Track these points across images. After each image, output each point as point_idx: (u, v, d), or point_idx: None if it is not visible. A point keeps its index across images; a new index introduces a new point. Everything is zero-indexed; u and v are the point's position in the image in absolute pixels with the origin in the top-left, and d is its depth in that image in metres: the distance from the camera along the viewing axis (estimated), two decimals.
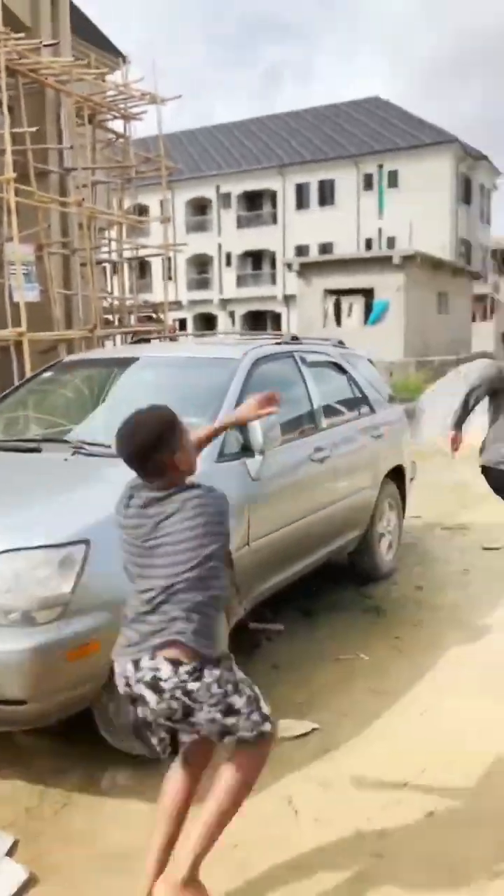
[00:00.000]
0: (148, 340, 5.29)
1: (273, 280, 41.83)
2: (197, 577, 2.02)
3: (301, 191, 40.28)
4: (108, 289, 17.08)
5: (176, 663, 2.00)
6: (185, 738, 2.21)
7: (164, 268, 19.35)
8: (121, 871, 2.40)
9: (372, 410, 5.23)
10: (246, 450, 3.61)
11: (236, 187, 41.81)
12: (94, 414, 4.09)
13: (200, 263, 43.86)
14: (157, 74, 14.32)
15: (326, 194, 39.60)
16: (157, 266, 37.97)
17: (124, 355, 4.52)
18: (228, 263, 42.73)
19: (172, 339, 9.66)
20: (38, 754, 3.03)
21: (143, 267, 30.31)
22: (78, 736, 3.04)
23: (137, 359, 4.34)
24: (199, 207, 43.58)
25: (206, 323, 43.17)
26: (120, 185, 15.81)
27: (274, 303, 41.56)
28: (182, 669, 2.00)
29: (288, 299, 39.12)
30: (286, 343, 4.59)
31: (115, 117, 14.95)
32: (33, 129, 10.82)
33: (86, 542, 2.67)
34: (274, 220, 41.46)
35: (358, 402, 5.13)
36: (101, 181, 14.85)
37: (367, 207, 38.36)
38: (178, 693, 2.00)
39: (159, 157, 16.31)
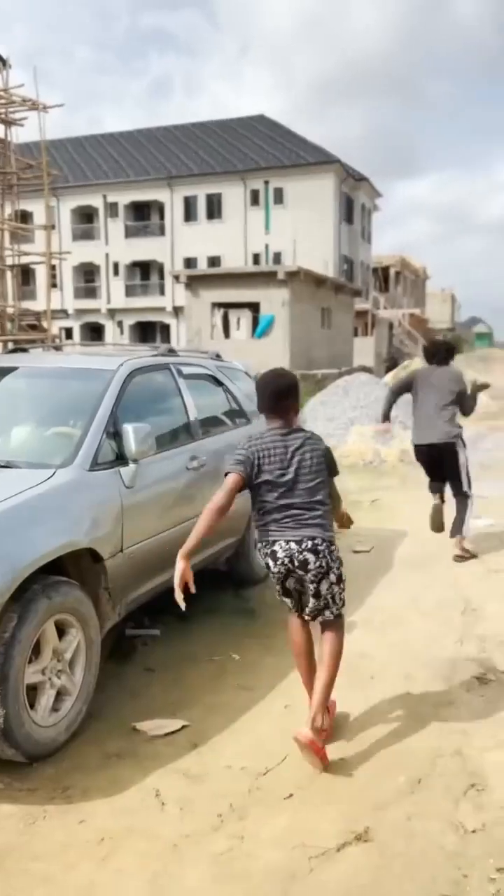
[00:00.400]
0: (26, 350, 5.28)
1: (162, 291, 41.86)
2: (323, 483, 3.14)
3: (189, 203, 40.59)
4: None
5: (321, 538, 3.07)
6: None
7: (49, 276, 19.02)
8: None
9: (248, 421, 5.44)
10: (120, 458, 3.72)
11: (124, 197, 41.61)
12: None
13: (87, 272, 43.29)
14: (38, 81, 14.07)
15: (214, 208, 40.10)
16: (41, 274, 37.20)
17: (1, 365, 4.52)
18: (116, 273, 42.40)
19: (57, 348, 9.58)
20: None
21: (26, 274, 29.62)
22: None
23: (13, 369, 4.36)
24: (86, 216, 43.05)
25: (94, 333, 42.62)
26: (1, 190, 15.51)
27: (163, 314, 41.58)
28: (325, 541, 3.08)
29: (177, 311, 39.28)
30: (162, 355, 4.73)
31: None
32: None
33: None
34: (162, 231, 41.53)
35: (234, 413, 5.33)
36: None
37: (254, 222, 39.13)
38: (326, 553, 3.08)
39: (42, 163, 16.14)
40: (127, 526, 3.64)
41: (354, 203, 41.17)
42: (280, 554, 3.07)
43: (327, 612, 3.18)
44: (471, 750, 3.16)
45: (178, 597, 3.03)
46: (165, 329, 41.79)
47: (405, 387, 6.40)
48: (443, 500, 6.27)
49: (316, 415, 13.26)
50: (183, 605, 3.05)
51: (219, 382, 5.30)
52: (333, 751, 3.15)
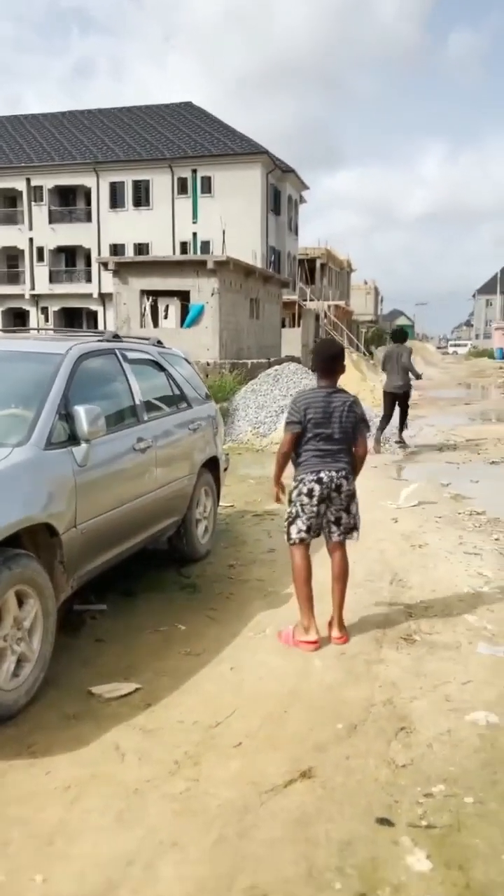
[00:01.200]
0: None
1: (88, 277, 41.31)
2: (352, 434, 4.14)
3: (115, 190, 40.14)
4: None
5: (347, 470, 4.14)
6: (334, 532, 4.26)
7: None
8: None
9: (189, 406, 5.67)
10: (73, 439, 3.89)
11: (48, 181, 40.79)
12: None
13: (10, 257, 42.29)
14: None
15: (142, 195, 39.80)
16: None
17: None
18: (41, 258, 41.57)
19: None
20: None
21: None
22: None
23: None
24: (9, 199, 42.01)
25: (17, 319, 41.71)
26: None
27: (90, 300, 41.05)
28: (351, 474, 4.17)
29: (104, 297, 38.86)
30: (108, 340, 4.90)
31: None
32: None
33: None
34: (88, 217, 40.93)
35: (176, 397, 5.55)
36: None
37: (181, 211, 39.05)
38: (352, 481, 4.17)
39: None
40: (80, 502, 3.83)
41: (281, 194, 41.58)
42: (325, 479, 4.06)
43: (354, 534, 4.24)
44: (400, 699, 3.50)
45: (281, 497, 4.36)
46: (92, 316, 41.30)
47: (389, 356, 11.36)
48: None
49: (247, 403, 13.54)
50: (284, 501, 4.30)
51: (161, 368, 5.51)
52: (277, 704, 3.44)
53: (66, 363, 4.16)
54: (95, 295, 40.48)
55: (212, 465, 5.95)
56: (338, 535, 4.21)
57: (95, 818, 2.63)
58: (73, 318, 41.65)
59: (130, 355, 4.99)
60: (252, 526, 6.93)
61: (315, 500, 4.09)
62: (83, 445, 3.89)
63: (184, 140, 40.07)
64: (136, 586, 5.11)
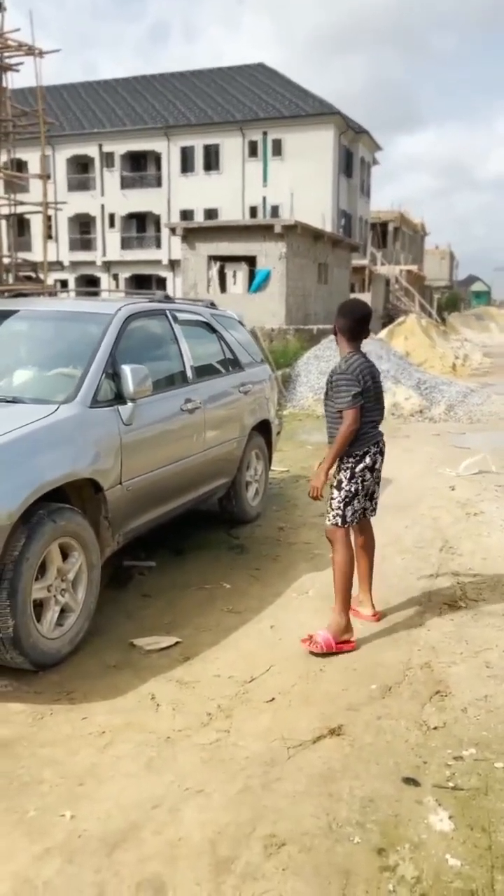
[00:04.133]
0: (25, 295, 5.45)
1: (158, 243, 41.47)
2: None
3: (186, 154, 39.97)
4: None
5: None
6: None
7: (46, 226, 18.94)
8: (3, 757, 2.75)
9: (241, 368, 5.66)
10: (119, 398, 3.94)
11: (120, 147, 40.92)
12: None
13: (83, 224, 42.79)
14: (34, 25, 13.84)
15: (212, 159, 39.51)
16: (36, 224, 36.78)
17: (1, 308, 4.70)
18: (112, 225, 41.92)
19: (52, 294, 9.69)
20: None
21: (21, 225, 29.33)
22: None
23: (14, 312, 4.55)
24: (82, 165, 42.38)
25: (90, 285, 42.32)
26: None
27: (159, 267, 41.27)
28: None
29: (174, 264, 38.98)
30: (159, 301, 4.93)
31: None
32: None
33: None
34: (158, 182, 40.96)
35: (228, 360, 5.54)
36: None
37: (251, 175, 38.62)
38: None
39: (36, 110, 15.97)
40: (125, 460, 3.89)
41: (354, 156, 40.61)
42: (384, 448, 3.89)
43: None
44: (438, 664, 3.47)
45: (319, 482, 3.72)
46: (161, 282, 41.54)
47: None
48: None
49: (309, 369, 13.43)
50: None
51: (213, 329, 5.50)
52: (313, 663, 3.46)
53: (114, 323, 4.20)
54: (165, 261, 40.65)
55: (263, 429, 5.95)
56: (372, 510, 3.97)
57: (126, 763, 2.71)
58: (143, 285, 41.98)
59: (181, 316, 5.00)
60: (304, 491, 6.89)
61: (375, 474, 3.84)
62: (129, 404, 3.94)
63: (255, 102, 39.46)
64: (185, 545, 5.19)
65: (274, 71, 42.21)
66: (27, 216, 18.07)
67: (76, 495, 3.67)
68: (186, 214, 38.76)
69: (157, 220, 41.09)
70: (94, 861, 2.23)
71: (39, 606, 3.33)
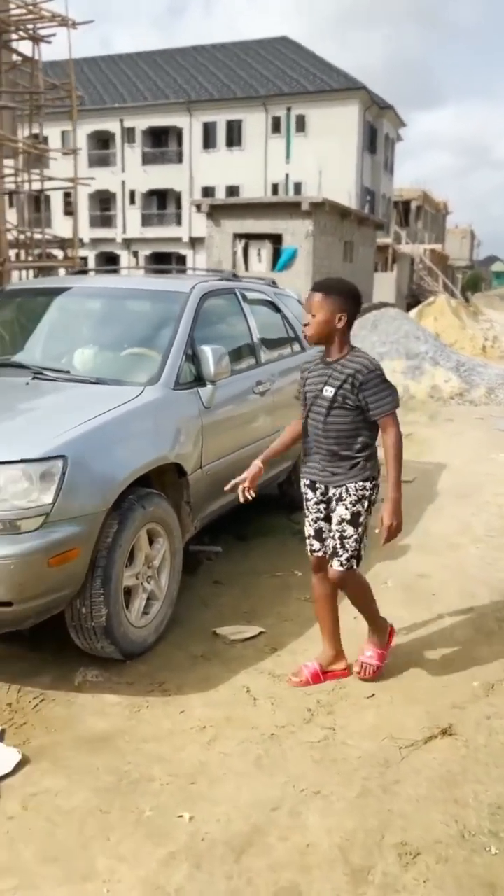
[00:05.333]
0: (86, 272, 5.31)
1: (179, 221, 41.10)
2: None
3: (208, 130, 39.46)
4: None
5: None
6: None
7: (71, 202, 18.74)
8: (102, 751, 2.66)
9: (303, 348, 5.50)
10: (198, 380, 3.81)
11: (141, 122, 40.45)
12: (46, 342, 4.16)
13: (103, 200, 42.44)
14: None
15: (234, 135, 38.99)
16: (56, 200, 36.50)
17: (70, 285, 4.56)
18: (133, 201, 41.56)
19: (82, 271, 9.55)
20: (7, 658, 3.22)
21: (38, 200, 29.09)
22: (38, 642, 3.27)
23: (86, 289, 4.42)
24: (102, 141, 41.95)
25: (109, 262, 42.06)
26: (28, 111, 15.16)
27: (179, 244, 40.93)
28: None
29: (194, 241, 38.64)
30: (227, 279, 4.77)
31: (22, 38, 14.26)
32: None
33: (63, 457, 2.83)
34: (180, 158, 40.50)
35: (291, 339, 5.39)
36: (8, 106, 14.19)
37: (274, 151, 38.10)
38: None
39: (68, 84, 15.71)
40: (206, 444, 3.77)
41: (378, 132, 39.96)
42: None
43: None
44: None
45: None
46: (181, 260, 41.22)
47: None
48: None
49: None
50: None
51: (277, 309, 5.35)
52: (406, 657, 3.34)
53: (191, 301, 4.05)
54: (185, 239, 40.29)
55: None
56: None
57: (234, 762, 2.61)
58: (162, 263, 41.67)
59: (250, 295, 4.84)
60: None
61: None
62: (209, 387, 3.81)
63: (279, 77, 38.82)
64: (247, 531, 5.07)
65: (298, 44, 41.47)
66: (47, 192, 17.77)
67: (157, 480, 3.56)
68: (208, 191, 38.34)
69: (177, 197, 40.70)
70: (224, 867, 2.13)
71: (127, 594, 3.23)
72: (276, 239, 24.11)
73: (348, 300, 2.92)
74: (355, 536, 2.96)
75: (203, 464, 3.76)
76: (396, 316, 13.98)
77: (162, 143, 41.43)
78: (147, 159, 41.02)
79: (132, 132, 40.81)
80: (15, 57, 14.86)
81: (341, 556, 2.97)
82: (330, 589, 3.14)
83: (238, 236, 24.45)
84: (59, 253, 18.11)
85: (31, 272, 15.72)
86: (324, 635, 3.22)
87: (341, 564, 2.97)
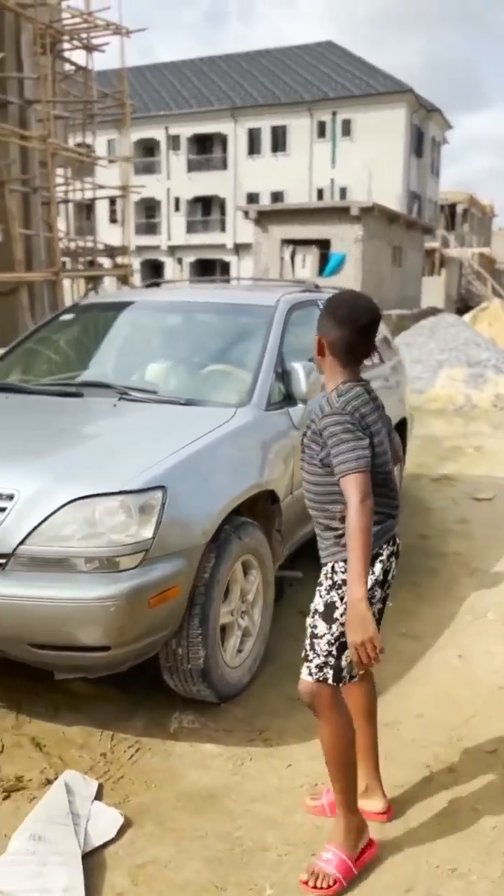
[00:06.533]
0: (158, 284, 5.13)
1: (223, 227, 41.07)
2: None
3: (253, 136, 39.37)
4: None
5: None
6: None
7: (115, 210, 18.74)
8: (208, 811, 2.43)
9: (381, 360, 5.25)
10: (288, 398, 3.58)
11: (186, 129, 40.55)
12: (126, 359, 3.97)
13: (148, 208, 42.65)
14: (121, 3, 13.54)
15: (279, 140, 38.84)
16: (101, 209, 36.75)
17: (148, 299, 4.38)
18: (177, 208, 41.69)
19: (125, 279, 9.36)
20: (97, 700, 3.02)
21: (87, 209, 29.25)
22: (126, 681, 3.06)
23: (165, 303, 4.23)
24: (147, 149, 42.17)
25: (154, 270, 42.24)
26: (82, 120, 15.17)
27: (223, 251, 40.89)
28: None
29: (238, 248, 38.56)
30: (310, 290, 4.54)
31: (77, 47, 14.26)
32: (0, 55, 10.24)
33: (162, 488, 2.62)
34: (224, 165, 40.48)
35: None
36: (62, 116, 14.21)
37: (319, 156, 37.83)
38: None
39: (119, 92, 15.70)
40: (296, 468, 3.53)
41: (425, 135, 39.41)
42: (400, 549, 2.39)
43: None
44: None
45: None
46: (226, 267, 41.18)
47: None
48: None
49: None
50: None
51: None
52: None
53: (277, 315, 3.83)
54: (230, 245, 40.23)
55: (400, 426, 5.52)
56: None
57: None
58: (207, 270, 41.70)
59: None
60: (433, 492, 6.47)
61: (386, 590, 2.29)
62: (300, 406, 3.57)
63: (324, 81, 38.56)
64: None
65: (342, 49, 41.17)
66: (92, 201, 17.73)
67: (248, 508, 3.33)
68: (252, 197, 38.24)
69: (222, 204, 40.69)
70: None
71: (222, 632, 3.01)
72: (322, 244, 23.86)
73: (328, 320, 2.20)
74: (327, 639, 2.11)
75: (293, 489, 3.52)
76: (454, 322, 13.61)
77: (207, 149, 41.48)
78: (192, 166, 41.10)
79: (177, 139, 40.94)
80: (67, 66, 14.88)
81: (307, 664, 2.14)
82: (358, 701, 2.37)
83: (286, 242, 24.25)
84: (106, 261, 18.10)
85: (81, 281, 15.73)
86: (363, 761, 2.35)
87: (309, 675, 2.14)
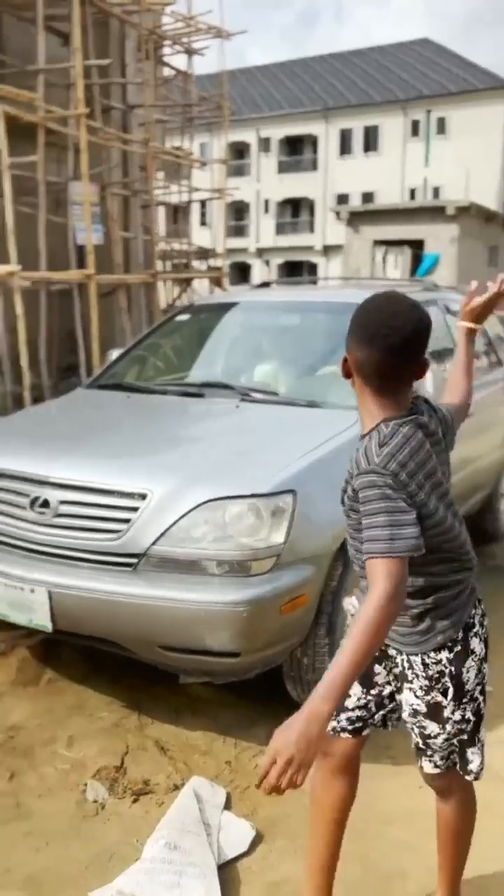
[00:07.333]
0: (268, 285, 5.08)
1: (311, 228, 40.93)
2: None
3: (345, 136, 39.08)
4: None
5: None
6: None
7: (206, 212, 18.86)
8: (348, 833, 2.34)
9: (500, 363, 5.03)
10: None
11: (277, 131, 40.63)
12: (246, 359, 3.93)
13: (237, 210, 42.95)
14: (223, 6, 13.64)
15: (371, 140, 38.40)
16: (192, 212, 37.29)
17: (259, 299, 4.33)
18: (266, 210, 41.81)
19: (218, 281, 9.33)
20: (217, 706, 2.97)
21: (176, 211, 29.72)
22: (244, 689, 3.00)
23: (278, 303, 4.17)
24: (238, 151, 42.47)
25: (241, 272, 42.51)
26: (180, 124, 15.37)
27: (311, 253, 40.74)
28: None
29: (327, 249, 38.34)
30: (429, 289, 4.39)
31: (178, 52, 14.45)
32: (106, 61, 10.46)
33: (293, 492, 2.55)
34: (314, 166, 40.34)
35: (489, 356, 4.93)
36: (163, 119, 14.42)
37: (412, 155, 37.19)
38: None
39: (218, 96, 15.81)
40: None
41: None
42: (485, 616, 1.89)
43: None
44: None
45: None
46: (313, 268, 41.02)
47: None
48: None
49: None
50: None
51: None
52: None
53: None
54: (318, 246, 40.05)
55: None
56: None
57: (497, 854, 2.21)
58: (294, 272, 41.64)
59: (453, 307, 4.43)
60: None
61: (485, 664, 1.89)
62: None
63: (418, 79, 37.88)
64: None
65: (439, 45, 40.36)
66: (185, 203, 17.91)
67: None
68: (342, 198, 37.94)
69: (311, 205, 40.57)
70: None
71: None
72: (415, 244, 23.40)
73: (351, 333, 1.71)
74: (447, 733, 1.79)
75: None
76: None
77: (297, 151, 41.46)
78: (282, 168, 41.15)
79: (268, 142, 41.08)
80: (167, 71, 15.10)
81: (428, 757, 1.87)
82: (339, 797, 2.02)
83: (378, 242, 23.91)
84: (198, 264, 18.28)
85: (171, 284, 15.92)
86: (312, 877, 1.96)
87: (433, 766, 1.87)
